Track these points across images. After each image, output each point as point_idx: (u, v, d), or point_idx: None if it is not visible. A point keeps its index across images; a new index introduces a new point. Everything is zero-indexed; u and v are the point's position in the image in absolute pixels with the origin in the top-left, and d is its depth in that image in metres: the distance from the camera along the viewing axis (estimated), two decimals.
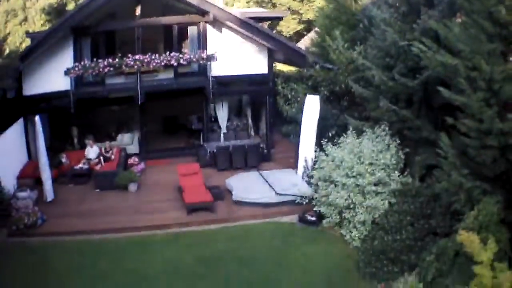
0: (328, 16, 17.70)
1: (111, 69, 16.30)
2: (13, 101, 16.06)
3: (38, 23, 35.55)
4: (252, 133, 19.99)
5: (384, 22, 12.09)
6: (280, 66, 23.17)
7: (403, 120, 11.51)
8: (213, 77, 17.31)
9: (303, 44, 22.80)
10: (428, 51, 9.74)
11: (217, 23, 17.56)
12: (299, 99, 16.73)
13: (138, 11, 16.88)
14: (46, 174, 14.10)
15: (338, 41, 15.17)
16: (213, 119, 19.41)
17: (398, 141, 11.95)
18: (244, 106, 20.38)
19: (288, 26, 36.09)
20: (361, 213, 11.38)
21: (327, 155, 12.76)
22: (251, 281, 10.29)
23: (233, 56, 17.95)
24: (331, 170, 12.22)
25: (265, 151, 17.73)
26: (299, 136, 15.27)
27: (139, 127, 18.35)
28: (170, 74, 17.63)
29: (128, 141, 18.54)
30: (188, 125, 21.13)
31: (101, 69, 16.23)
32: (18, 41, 31.18)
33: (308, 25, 34.98)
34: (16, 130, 15.80)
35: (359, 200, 11.42)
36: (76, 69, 16.21)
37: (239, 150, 17.07)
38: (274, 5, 37.52)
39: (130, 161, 16.63)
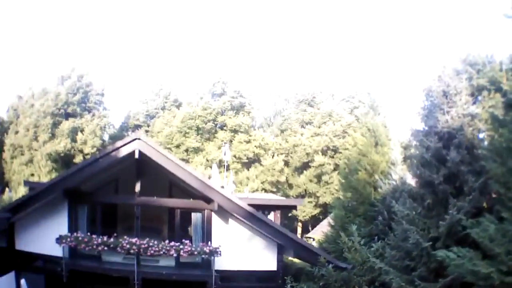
0: (345, 207, 16.73)
1: (106, 248, 15.07)
2: (4, 251, 15.39)
3: (44, 170, 35.75)
4: None
5: (407, 220, 11.02)
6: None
7: None
8: (216, 271, 15.56)
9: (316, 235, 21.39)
10: (457, 259, 8.75)
11: (223, 212, 16.40)
12: None
13: (137, 187, 16.07)
14: None
15: (354, 238, 13.97)
16: None
17: None
18: None
19: (304, 210, 35.53)
20: None
21: None
22: None
23: (240, 249, 16.51)
24: None
25: None
26: None
27: None
28: (171, 262, 16.11)
29: None
30: None
31: (94, 246, 15.02)
32: (21, 183, 30.93)
33: (324, 209, 34.42)
34: (6, 281, 14.88)
35: None
36: (69, 240, 15.05)
37: None
38: (290, 186, 37.47)
39: None
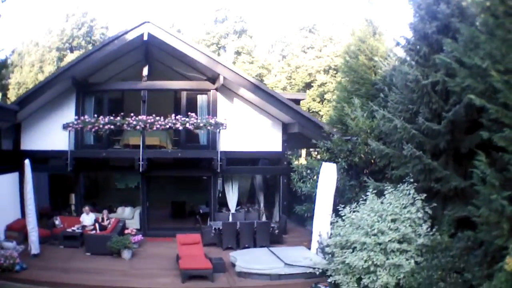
0: (347, 89, 17.22)
1: (112, 127, 15.55)
2: (9, 153, 15.60)
3: None
4: (264, 218, 18.18)
5: (405, 62, 11.50)
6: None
7: (429, 170, 10.19)
8: (222, 152, 16.32)
9: None
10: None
11: (228, 92, 16.98)
12: (314, 177, 15.40)
13: (145, 71, 16.49)
14: (31, 225, 12.97)
15: (358, 111, 14.42)
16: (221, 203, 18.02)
17: (425, 195, 10.42)
18: (256, 190, 18.98)
19: None
20: (383, 277, 9.53)
21: (343, 220, 11.22)
22: None
23: (245, 130, 17.13)
24: (348, 234, 10.62)
25: (277, 231, 15.91)
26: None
27: (142, 202, 16.90)
28: (177, 153, 16.70)
29: (129, 214, 17.10)
30: (196, 210, 19.69)
31: (101, 125, 15.47)
32: None
33: None
34: (10, 180, 15.23)
35: (380, 260, 9.67)
36: (75, 123, 15.55)
37: (247, 227, 15.26)
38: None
39: (128, 231, 15.07)
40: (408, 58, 11.94)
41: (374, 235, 10.06)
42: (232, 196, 17.88)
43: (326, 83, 35.82)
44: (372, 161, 14.24)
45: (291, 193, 17.15)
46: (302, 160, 22.52)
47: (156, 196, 18.31)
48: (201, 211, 18.73)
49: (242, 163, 17.81)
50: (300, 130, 16.55)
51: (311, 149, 21.73)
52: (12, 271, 11.51)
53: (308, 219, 15.12)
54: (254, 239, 15.18)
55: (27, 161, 13.38)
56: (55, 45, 39.01)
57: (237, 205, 18.12)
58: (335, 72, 36.26)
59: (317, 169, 14.73)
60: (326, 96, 35.52)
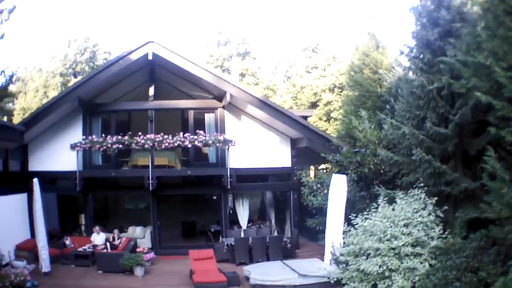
0: (354, 103, 17.34)
1: (120, 146, 15.67)
2: (17, 174, 15.74)
3: None
4: (276, 234, 18.04)
5: (410, 69, 11.67)
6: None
7: (439, 173, 10.23)
8: (231, 169, 16.38)
9: None
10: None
11: (236, 110, 17.13)
12: (325, 191, 15.41)
13: (151, 91, 16.70)
14: (42, 243, 13.05)
15: (365, 123, 14.58)
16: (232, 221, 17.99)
17: (436, 199, 10.43)
18: (267, 207, 18.97)
19: None
20: (398, 281, 9.49)
21: (356, 229, 11.23)
22: None
23: (253, 147, 17.21)
24: (361, 242, 10.64)
25: (289, 245, 15.84)
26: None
27: (153, 221, 16.90)
28: (186, 171, 16.85)
29: (140, 234, 17.10)
30: (207, 229, 19.63)
31: (109, 145, 15.59)
32: None
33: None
34: (18, 200, 15.36)
35: (395, 264, 9.67)
36: (83, 143, 15.70)
37: (259, 242, 15.24)
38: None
39: (139, 249, 15.09)
40: (412, 66, 12.06)
41: (388, 240, 10.07)
42: (243, 213, 17.88)
43: (331, 101, 35.99)
44: (382, 171, 14.27)
45: (302, 209, 17.14)
46: (312, 176, 22.52)
47: (166, 216, 18.33)
48: (212, 229, 18.63)
49: (252, 179, 17.80)
50: (308, 145, 16.62)
51: (320, 166, 21.73)
52: None
53: (320, 233, 15.09)
54: (267, 254, 15.14)
55: (35, 180, 13.52)
56: (58, 71, 39.31)
57: (248, 222, 18.11)
58: (340, 90, 36.48)
59: (327, 182, 14.78)
60: (332, 115, 35.70)
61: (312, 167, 24.11)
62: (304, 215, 17.15)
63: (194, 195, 19.46)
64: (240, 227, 17.84)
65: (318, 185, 15.89)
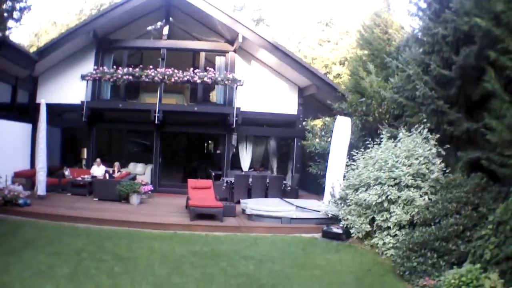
0: (362, 60, 17.20)
1: (131, 78, 15.53)
2: (25, 106, 15.68)
3: None
4: None
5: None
6: None
7: (442, 112, 10.16)
8: (238, 108, 16.30)
9: None
10: None
11: (246, 54, 16.99)
12: (329, 139, 15.27)
13: (165, 30, 16.62)
14: (41, 164, 12.94)
15: (373, 75, 14.43)
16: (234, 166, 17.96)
17: (438, 136, 10.25)
18: (270, 156, 19.02)
19: None
20: (397, 214, 9.37)
21: (357, 167, 11.06)
22: (256, 275, 7.85)
23: (261, 92, 17.13)
24: (360, 173, 10.52)
25: (289, 188, 15.75)
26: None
27: (155, 158, 16.89)
28: (193, 107, 16.74)
29: (141, 170, 17.16)
30: (208, 172, 19.58)
31: (119, 76, 15.45)
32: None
33: None
34: (23, 129, 15.37)
35: (394, 194, 9.50)
36: (94, 73, 15.55)
37: (259, 181, 15.13)
38: None
39: (138, 180, 15.01)
40: (419, 14, 11.80)
41: (388, 169, 9.90)
42: (245, 157, 17.93)
43: (341, 74, 35.65)
44: (386, 120, 14.13)
45: (305, 156, 17.12)
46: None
47: (168, 159, 18.28)
48: (213, 173, 18.63)
49: (258, 123, 17.81)
50: (316, 92, 16.54)
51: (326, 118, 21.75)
52: (15, 204, 11.50)
53: (321, 178, 14.95)
54: (266, 195, 15.03)
55: (43, 101, 13.50)
56: (72, 25, 39.10)
57: (250, 168, 18.10)
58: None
59: (331, 127, 14.63)
60: (342, 88, 35.41)
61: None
62: (306, 165, 17.04)
63: (199, 141, 19.34)
64: (242, 170, 17.84)
65: (323, 133, 15.99)
